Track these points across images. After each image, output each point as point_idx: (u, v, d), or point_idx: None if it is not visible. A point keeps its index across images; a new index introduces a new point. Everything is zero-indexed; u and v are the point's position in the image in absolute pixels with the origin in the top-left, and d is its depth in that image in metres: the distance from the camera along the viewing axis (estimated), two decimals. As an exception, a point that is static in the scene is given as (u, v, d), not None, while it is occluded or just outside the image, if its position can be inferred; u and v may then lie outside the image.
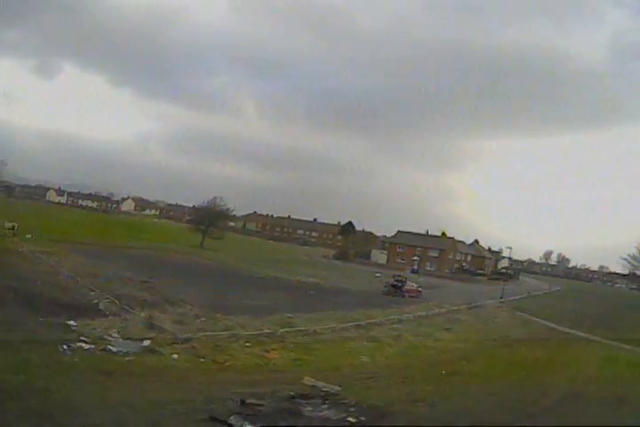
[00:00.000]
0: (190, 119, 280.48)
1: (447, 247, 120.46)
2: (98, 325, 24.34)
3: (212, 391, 16.40)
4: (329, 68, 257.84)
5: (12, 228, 57.72)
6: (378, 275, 71.27)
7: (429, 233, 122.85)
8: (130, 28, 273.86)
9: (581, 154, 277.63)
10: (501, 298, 63.01)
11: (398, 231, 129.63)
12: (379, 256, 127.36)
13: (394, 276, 63.75)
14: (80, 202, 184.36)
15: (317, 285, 56.76)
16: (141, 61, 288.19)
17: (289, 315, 33.54)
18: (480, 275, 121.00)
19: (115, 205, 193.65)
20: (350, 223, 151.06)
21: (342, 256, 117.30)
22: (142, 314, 26.74)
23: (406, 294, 59.19)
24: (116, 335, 22.94)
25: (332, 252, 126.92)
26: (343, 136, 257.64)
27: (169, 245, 76.74)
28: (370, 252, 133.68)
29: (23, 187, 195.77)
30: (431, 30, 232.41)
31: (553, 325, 46.13)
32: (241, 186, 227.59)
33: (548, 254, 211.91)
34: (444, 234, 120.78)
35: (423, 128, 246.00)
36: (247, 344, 24.86)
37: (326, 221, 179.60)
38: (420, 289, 62.56)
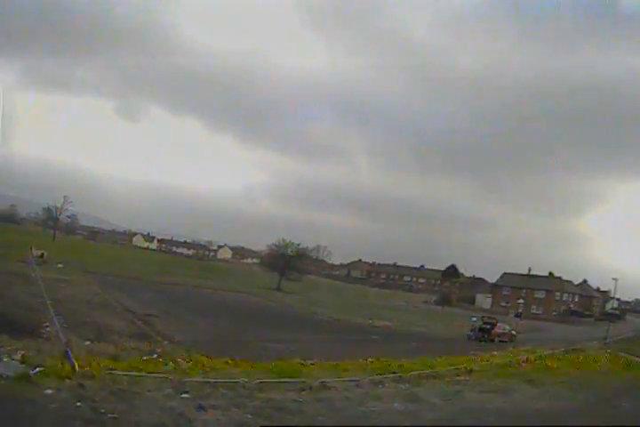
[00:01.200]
0: (294, 167, 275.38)
1: (554, 288, 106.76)
2: (13, 344, 19.39)
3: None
4: (434, 111, 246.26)
5: (41, 255, 57.91)
6: (474, 319, 59.81)
7: (536, 273, 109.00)
8: (227, 72, 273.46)
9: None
10: (606, 339, 51.21)
11: (504, 273, 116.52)
12: (483, 301, 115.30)
13: (482, 317, 53.25)
14: (174, 249, 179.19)
15: (388, 328, 47.57)
16: (242, 107, 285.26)
17: (310, 361, 24.44)
18: (588, 316, 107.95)
19: (213, 253, 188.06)
20: (453, 267, 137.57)
21: (443, 301, 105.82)
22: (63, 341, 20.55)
23: (496, 339, 48.72)
24: (16, 357, 17.44)
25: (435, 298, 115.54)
26: (451, 181, 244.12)
27: (240, 286, 69.04)
28: (474, 296, 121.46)
29: (110, 232, 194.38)
30: (535, 68, 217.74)
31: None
32: (346, 234, 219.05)
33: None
34: (551, 274, 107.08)
35: (535, 171, 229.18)
36: (184, 395, 16.17)
37: (435, 268, 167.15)
38: (513, 332, 51.76)
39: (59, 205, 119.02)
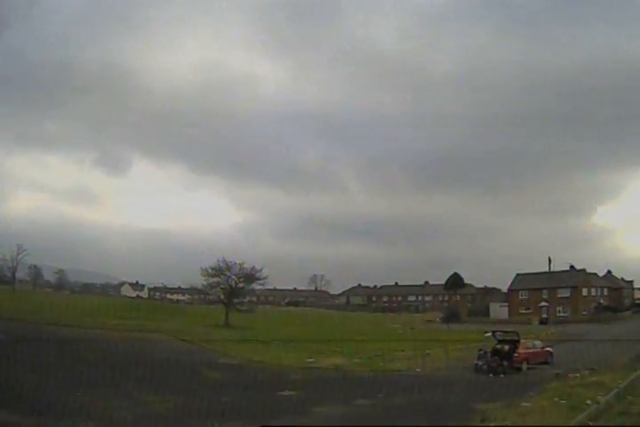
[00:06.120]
0: (287, 200, 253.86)
1: (579, 283, 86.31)
2: None
3: None
4: (420, 123, 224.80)
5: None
6: (487, 334, 37.43)
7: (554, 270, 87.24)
8: (201, 111, 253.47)
9: None
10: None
11: (517, 275, 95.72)
12: (498, 311, 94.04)
13: (494, 333, 32.19)
14: (168, 296, 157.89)
15: (336, 369, 26.99)
16: (223, 146, 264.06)
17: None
18: (622, 310, 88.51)
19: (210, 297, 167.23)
20: (456, 275, 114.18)
21: (450, 317, 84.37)
22: None
23: (524, 364, 28.11)
24: None
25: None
26: (449, 193, 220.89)
27: (181, 326, 49.32)
28: (488, 307, 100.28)
29: (103, 285, 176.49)
30: (518, 63, 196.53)
31: None
32: (344, 261, 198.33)
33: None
34: (572, 267, 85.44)
35: (537, 172, 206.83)
36: None
37: (441, 283, 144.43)
38: (549, 349, 31.21)
39: (13, 256, 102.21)
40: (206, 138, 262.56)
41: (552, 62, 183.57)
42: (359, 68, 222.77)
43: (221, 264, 58.58)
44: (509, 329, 35.78)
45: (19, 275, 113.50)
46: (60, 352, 26.83)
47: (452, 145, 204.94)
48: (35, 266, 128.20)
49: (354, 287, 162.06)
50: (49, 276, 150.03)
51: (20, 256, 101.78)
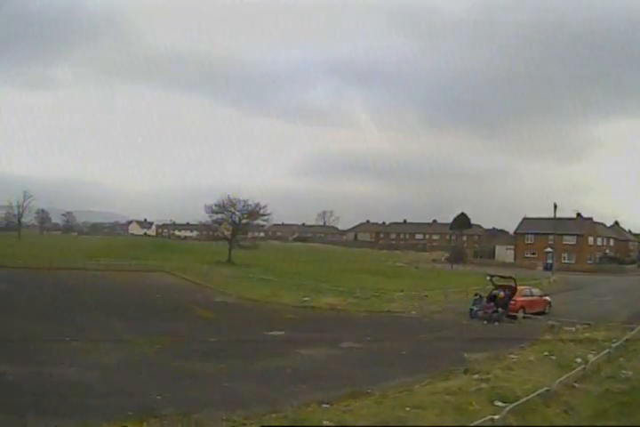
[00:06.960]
0: (300, 135, 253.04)
1: (585, 231, 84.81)
2: None
3: None
4: (435, 64, 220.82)
5: None
6: (489, 278, 36.16)
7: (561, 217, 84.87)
8: (217, 50, 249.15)
9: None
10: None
11: (524, 219, 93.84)
12: (504, 253, 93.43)
13: (491, 277, 31.30)
14: (176, 233, 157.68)
15: (333, 308, 26.94)
16: (239, 77, 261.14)
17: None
18: (628, 262, 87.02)
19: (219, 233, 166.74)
20: (463, 215, 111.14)
21: (456, 258, 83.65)
22: None
23: (519, 312, 27.58)
24: None
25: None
26: (459, 135, 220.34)
27: (181, 263, 48.76)
28: (494, 249, 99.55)
29: (111, 224, 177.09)
30: (531, 9, 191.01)
31: None
32: (354, 197, 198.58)
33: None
34: (579, 215, 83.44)
35: (545, 119, 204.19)
36: None
37: (448, 222, 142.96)
38: (546, 298, 30.72)
39: (19, 202, 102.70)
40: (219, 71, 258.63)
41: (564, 12, 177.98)
42: (373, 9, 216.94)
43: (226, 201, 58.41)
44: (509, 274, 35.02)
45: (27, 220, 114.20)
46: (54, 298, 26.99)
47: (467, 87, 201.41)
48: (42, 210, 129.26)
49: (362, 224, 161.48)
50: (57, 218, 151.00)
51: (26, 202, 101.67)
